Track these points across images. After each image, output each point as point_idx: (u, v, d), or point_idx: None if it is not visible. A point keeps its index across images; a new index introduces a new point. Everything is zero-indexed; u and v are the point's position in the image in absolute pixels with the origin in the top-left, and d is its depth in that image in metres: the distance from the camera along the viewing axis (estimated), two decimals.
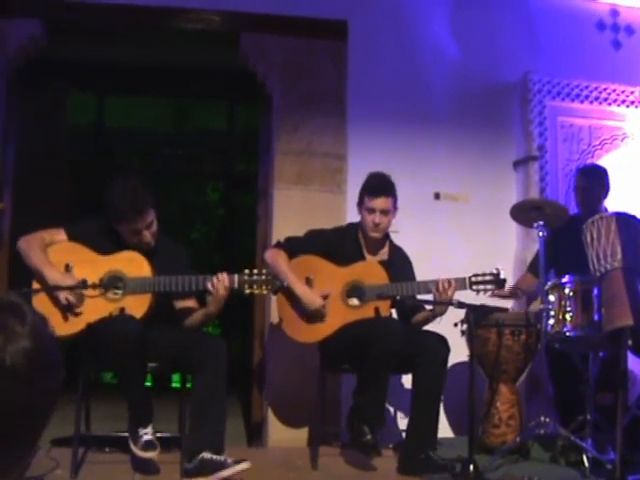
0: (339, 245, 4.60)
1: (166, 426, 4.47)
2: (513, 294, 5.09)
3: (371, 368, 4.16)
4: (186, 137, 10.20)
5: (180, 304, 4.28)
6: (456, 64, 5.71)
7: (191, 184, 11.54)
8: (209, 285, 3.98)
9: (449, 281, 4.29)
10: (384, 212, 4.52)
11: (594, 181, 5.21)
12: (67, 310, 3.96)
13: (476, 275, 4.34)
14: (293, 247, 4.58)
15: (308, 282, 4.47)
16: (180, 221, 10.69)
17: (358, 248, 4.64)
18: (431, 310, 4.46)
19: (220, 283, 3.97)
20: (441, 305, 4.31)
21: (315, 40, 5.51)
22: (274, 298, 4.73)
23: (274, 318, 4.92)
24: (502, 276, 4.37)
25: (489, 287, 4.36)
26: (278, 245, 4.66)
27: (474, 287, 4.34)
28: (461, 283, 4.33)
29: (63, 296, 3.94)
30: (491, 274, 4.35)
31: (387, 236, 4.71)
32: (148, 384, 4.29)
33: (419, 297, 4.38)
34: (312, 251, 4.54)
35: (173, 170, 10.50)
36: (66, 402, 2.27)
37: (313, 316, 4.42)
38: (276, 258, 4.53)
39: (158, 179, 10.10)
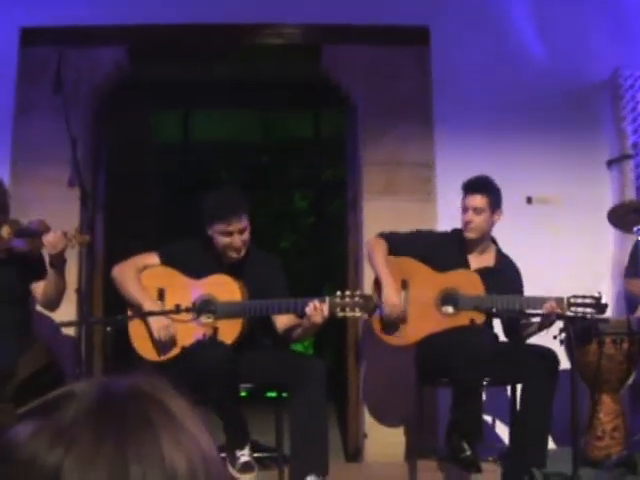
0: (442, 249, 4.50)
1: (262, 437, 4.54)
2: None
3: (459, 380, 4.08)
4: (273, 146, 10.21)
5: (279, 322, 4.22)
6: (543, 64, 5.53)
7: (279, 193, 11.54)
8: (307, 310, 3.89)
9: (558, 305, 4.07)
10: (476, 210, 4.39)
11: None
12: (159, 345, 4.04)
13: (575, 296, 4.08)
14: (396, 243, 4.51)
15: (404, 284, 4.39)
16: (270, 230, 10.71)
17: (461, 252, 4.52)
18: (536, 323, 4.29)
19: (318, 311, 3.85)
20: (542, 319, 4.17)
21: (397, 47, 5.44)
22: None
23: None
24: (604, 301, 4.07)
25: (588, 310, 4.05)
26: (382, 235, 4.59)
27: (572, 309, 4.06)
28: (558, 303, 4.11)
29: (157, 334, 4.01)
30: (592, 297, 4.05)
31: (493, 242, 4.59)
32: (243, 394, 4.31)
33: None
34: (414, 252, 4.46)
35: (261, 180, 10.52)
36: None
37: (393, 325, 4.36)
38: (375, 247, 4.49)
39: (247, 189, 10.13)
